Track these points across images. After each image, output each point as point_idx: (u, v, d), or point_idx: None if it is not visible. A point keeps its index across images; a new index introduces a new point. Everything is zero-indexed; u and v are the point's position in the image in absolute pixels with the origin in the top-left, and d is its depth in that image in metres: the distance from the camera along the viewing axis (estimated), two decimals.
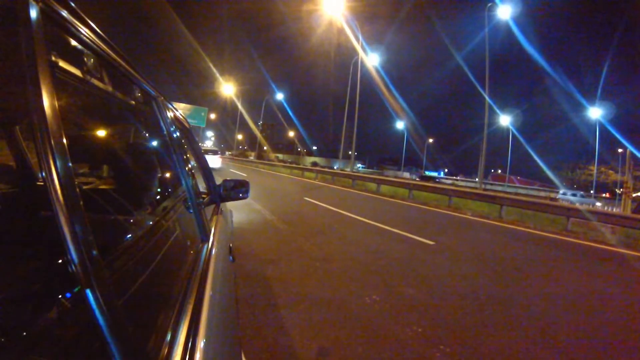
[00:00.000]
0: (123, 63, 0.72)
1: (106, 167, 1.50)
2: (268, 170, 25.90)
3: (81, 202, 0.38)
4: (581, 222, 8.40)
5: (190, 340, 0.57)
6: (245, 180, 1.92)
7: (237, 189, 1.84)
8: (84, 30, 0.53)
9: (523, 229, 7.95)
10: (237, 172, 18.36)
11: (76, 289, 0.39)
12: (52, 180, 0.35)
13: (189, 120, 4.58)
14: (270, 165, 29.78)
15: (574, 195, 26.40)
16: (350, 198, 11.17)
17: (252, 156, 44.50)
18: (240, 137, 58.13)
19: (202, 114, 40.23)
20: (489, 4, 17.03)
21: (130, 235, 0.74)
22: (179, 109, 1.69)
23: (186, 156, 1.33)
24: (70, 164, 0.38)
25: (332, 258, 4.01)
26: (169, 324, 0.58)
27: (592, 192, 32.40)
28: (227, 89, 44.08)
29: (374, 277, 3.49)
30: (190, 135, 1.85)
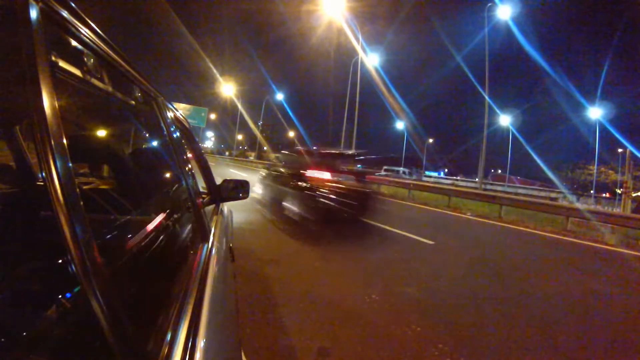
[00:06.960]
0: (123, 63, 0.72)
1: (106, 167, 1.50)
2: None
3: (81, 202, 0.38)
4: (581, 221, 8.41)
5: (190, 340, 0.57)
6: (246, 180, 1.92)
7: (237, 189, 1.84)
8: (84, 30, 0.53)
9: (523, 228, 7.95)
10: (238, 172, 18.34)
11: (76, 289, 0.39)
12: (52, 180, 0.35)
13: (189, 120, 4.58)
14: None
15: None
16: None
17: (252, 156, 44.29)
18: (240, 137, 58.03)
19: (202, 114, 40.29)
20: (489, 4, 17.03)
21: (130, 235, 0.74)
22: (179, 109, 1.69)
23: (186, 156, 1.33)
24: (70, 164, 0.38)
25: (332, 257, 4.01)
26: (169, 324, 0.58)
27: (592, 191, 32.38)
28: (227, 89, 43.92)
29: (373, 276, 3.49)
30: (190, 135, 1.85)
